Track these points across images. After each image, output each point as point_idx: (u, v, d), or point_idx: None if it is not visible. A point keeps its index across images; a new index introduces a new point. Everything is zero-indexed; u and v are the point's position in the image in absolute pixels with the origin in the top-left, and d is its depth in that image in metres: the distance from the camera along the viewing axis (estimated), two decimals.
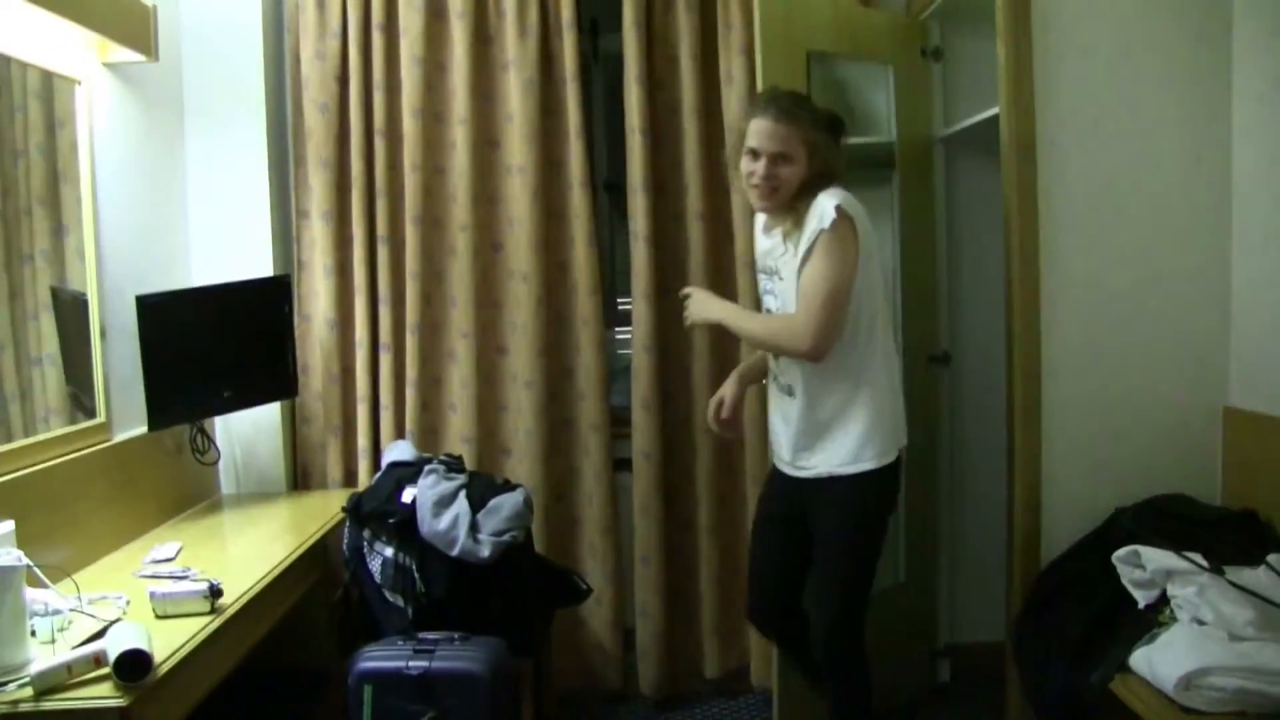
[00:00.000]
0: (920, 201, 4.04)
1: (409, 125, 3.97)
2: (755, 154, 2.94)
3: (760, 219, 3.21)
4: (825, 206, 2.85)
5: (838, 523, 3.03)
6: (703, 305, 3.18)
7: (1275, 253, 3.24)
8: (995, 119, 3.43)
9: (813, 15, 3.65)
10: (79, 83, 3.25)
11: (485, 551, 3.20)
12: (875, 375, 2.99)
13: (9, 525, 2.65)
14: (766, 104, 2.98)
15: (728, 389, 3.28)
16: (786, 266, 2.99)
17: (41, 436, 3.03)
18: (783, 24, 3.52)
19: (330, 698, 3.30)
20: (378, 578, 3.33)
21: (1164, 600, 2.84)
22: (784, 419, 3.12)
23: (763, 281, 3.20)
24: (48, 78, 3.13)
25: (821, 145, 2.96)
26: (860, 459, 2.97)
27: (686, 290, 3.25)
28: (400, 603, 3.27)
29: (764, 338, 3.13)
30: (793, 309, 2.94)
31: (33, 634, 2.34)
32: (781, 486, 3.19)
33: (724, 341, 4.05)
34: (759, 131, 2.93)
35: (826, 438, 3.01)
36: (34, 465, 2.92)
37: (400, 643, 3.05)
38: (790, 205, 2.98)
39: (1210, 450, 3.42)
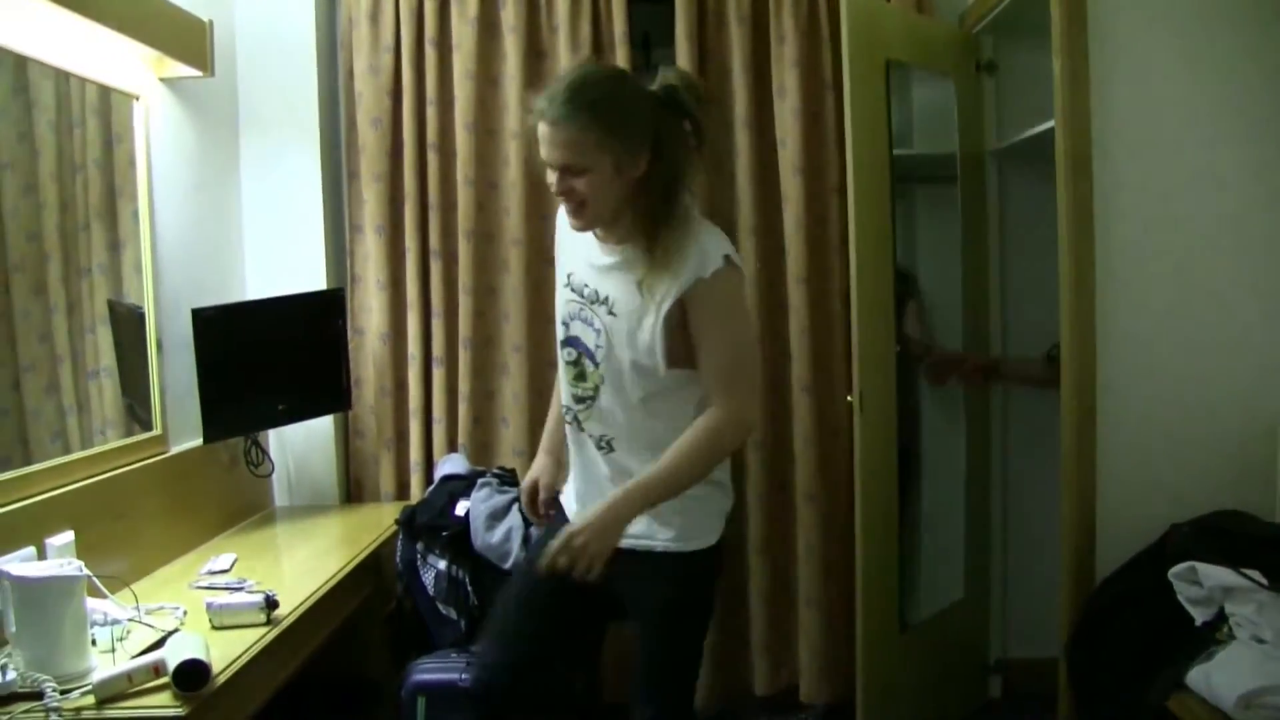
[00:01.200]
0: (975, 215, 4.03)
1: (461, 139, 3.98)
2: (549, 166, 2.43)
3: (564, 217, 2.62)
4: (709, 252, 2.37)
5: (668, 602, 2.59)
6: (603, 533, 2.31)
7: None
8: (1048, 133, 3.39)
9: (889, 24, 3.69)
10: (137, 98, 3.28)
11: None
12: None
13: (69, 536, 2.69)
14: (546, 102, 2.38)
15: (542, 474, 2.79)
16: (626, 302, 2.44)
17: (99, 449, 3.05)
18: (867, 31, 3.54)
19: (384, 709, 3.31)
20: (431, 590, 3.33)
21: (1222, 618, 2.79)
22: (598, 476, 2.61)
23: (572, 304, 2.57)
24: (105, 93, 3.16)
25: (633, 145, 2.38)
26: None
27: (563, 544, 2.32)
28: (453, 615, 3.27)
29: (711, 461, 2.46)
30: (621, 350, 2.44)
31: (93, 643, 2.35)
32: None
33: (781, 357, 4.03)
34: (541, 139, 2.39)
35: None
36: (92, 477, 2.94)
37: (454, 655, 3.06)
38: (634, 228, 2.45)
39: (1269, 467, 3.34)
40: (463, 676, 2.93)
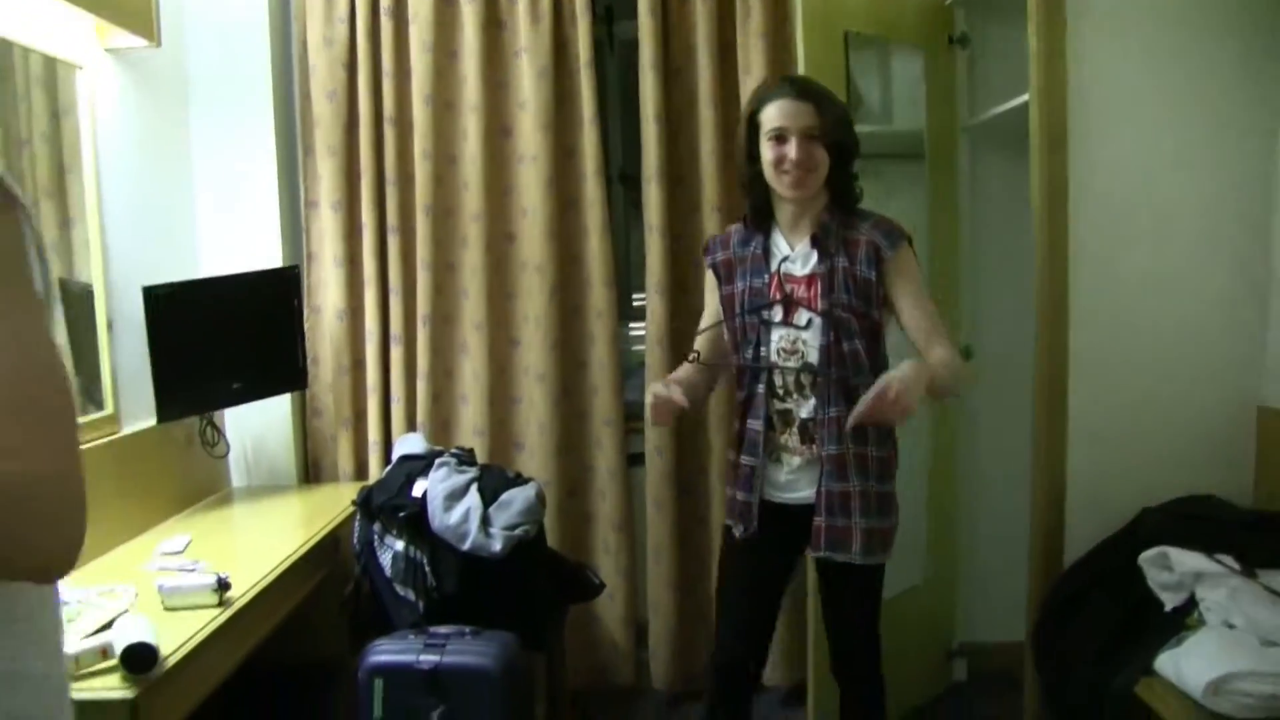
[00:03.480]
0: (945, 193, 3.99)
1: (419, 113, 3.92)
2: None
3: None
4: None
5: None
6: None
7: None
8: (1023, 109, 3.37)
9: None
10: (80, 68, 3.20)
11: (497, 546, 3.15)
12: None
13: None
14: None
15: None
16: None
17: None
18: (823, 2, 3.49)
19: (341, 691, 3.26)
20: (388, 571, 3.28)
21: (1192, 603, 2.79)
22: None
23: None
24: (50, 64, 3.10)
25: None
26: None
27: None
28: (411, 597, 3.23)
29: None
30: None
31: None
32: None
33: None
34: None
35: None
36: None
37: (411, 637, 3.01)
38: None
39: (1243, 451, 3.35)
40: (420, 659, 2.89)
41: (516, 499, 3.28)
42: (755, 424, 2.78)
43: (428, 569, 3.22)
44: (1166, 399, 3.37)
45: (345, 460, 4.06)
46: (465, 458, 3.50)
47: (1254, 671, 2.44)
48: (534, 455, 4.03)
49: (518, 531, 3.20)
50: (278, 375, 3.89)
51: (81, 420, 3.13)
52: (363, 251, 4.00)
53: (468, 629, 3.03)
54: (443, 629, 3.03)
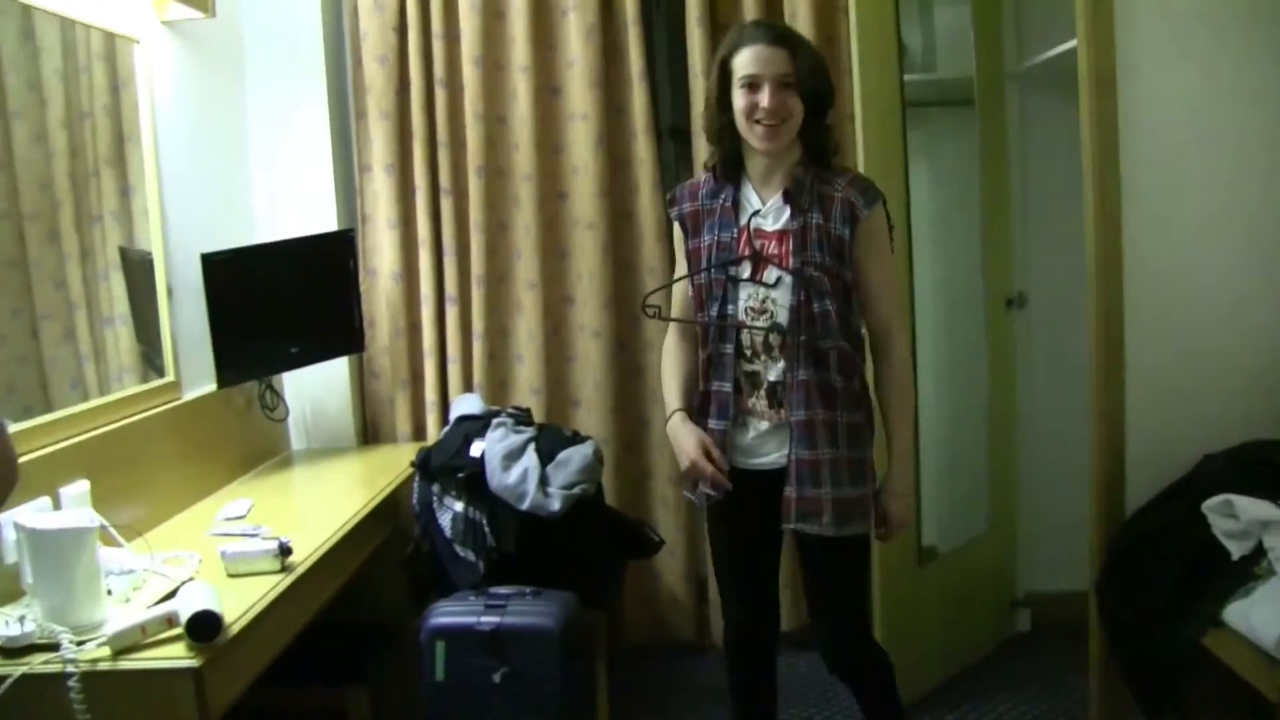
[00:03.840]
0: (995, 139, 3.96)
1: (469, 74, 3.92)
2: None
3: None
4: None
5: None
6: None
7: None
8: (1071, 54, 3.30)
9: None
10: (138, 41, 3.23)
11: (555, 505, 3.18)
12: None
13: (84, 485, 2.70)
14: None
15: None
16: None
17: (114, 396, 3.05)
18: None
19: (403, 652, 3.32)
20: (448, 532, 3.32)
21: (1260, 552, 2.72)
22: None
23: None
24: (109, 38, 3.13)
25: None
26: None
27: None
28: (471, 557, 3.27)
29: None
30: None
31: (108, 593, 2.35)
32: None
33: None
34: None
35: None
36: (107, 425, 2.94)
37: (472, 598, 3.05)
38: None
39: None
40: (481, 620, 2.93)
41: (574, 457, 3.30)
42: (724, 385, 2.67)
43: (487, 529, 3.25)
44: (1225, 344, 3.29)
45: (403, 421, 4.09)
46: (522, 417, 3.53)
47: None
48: (590, 412, 4.05)
49: (575, 490, 3.23)
50: (335, 338, 3.93)
51: (144, 387, 3.20)
52: (416, 214, 4.02)
53: (528, 589, 3.07)
54: (503, 589, 3.08)
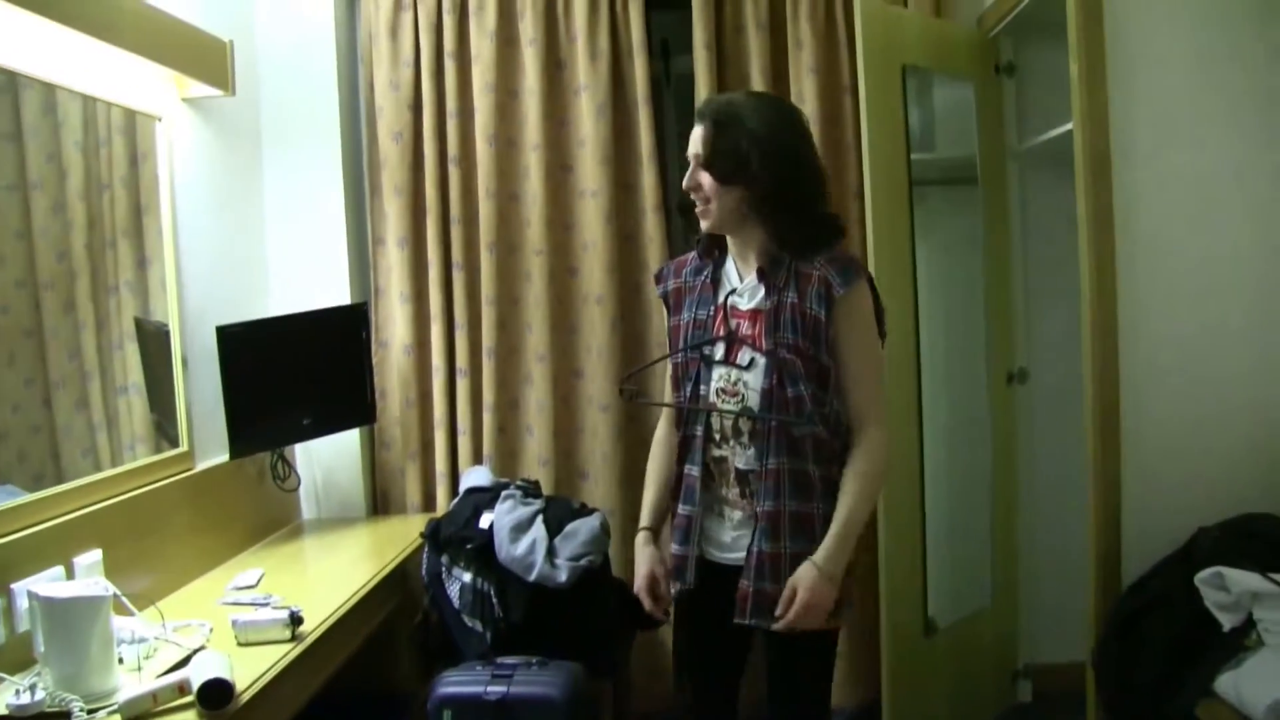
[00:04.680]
0: (997, 218, 4.03)
1: (482, 151, 4.01)
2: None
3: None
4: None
5: None
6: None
7: None
8: (1069, 134, 3.37)
9: (906, 30, 3.70)
10: (159, 119, 3.31)
11: (562, 576, 3.20)
12: None
13: (96, 555, 2.73)
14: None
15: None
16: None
17: (127, 466, 3.08)
18: (882, 39, 3.56)
19: None
20: (456, 602, 3.34)
21: (1250, 624, 2.76)
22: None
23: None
24: (130, 115, 3.20)
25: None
26: None
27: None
28: (479, 627, 3.29)
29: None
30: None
31: (120, 661, 2.38)
32: None
33: None
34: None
35: None
36: (120, 495, 2.97)
37: (479, 668, 3.06)
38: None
39: None
40: (488, 690, 2.95)
41: (581, 529, 3.33)
42: (692, 469, 2.56)
43: (495, 600, 3.27)
44: (1220, 417, 3.33)
45: (413, 492, 4.12)
46: (531, 489, 3.55)
47: None
48: (598, 484, 4.08)
49: (583, 562, 3.25)
50: (347, 409, 3.96)
51: (158, 457, 3.24)
52: (428, 287, 4.08)
53: (534, 659, 3.07)
54: (510, 659, 3.08)
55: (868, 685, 3.94)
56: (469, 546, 3.32)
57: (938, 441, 4.06)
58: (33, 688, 2.21)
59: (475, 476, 3.73)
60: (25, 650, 2.43)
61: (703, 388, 2.55)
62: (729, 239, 2.60)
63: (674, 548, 2.61)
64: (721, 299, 2.56)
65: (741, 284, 2.56)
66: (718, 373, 2.53)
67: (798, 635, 2.43)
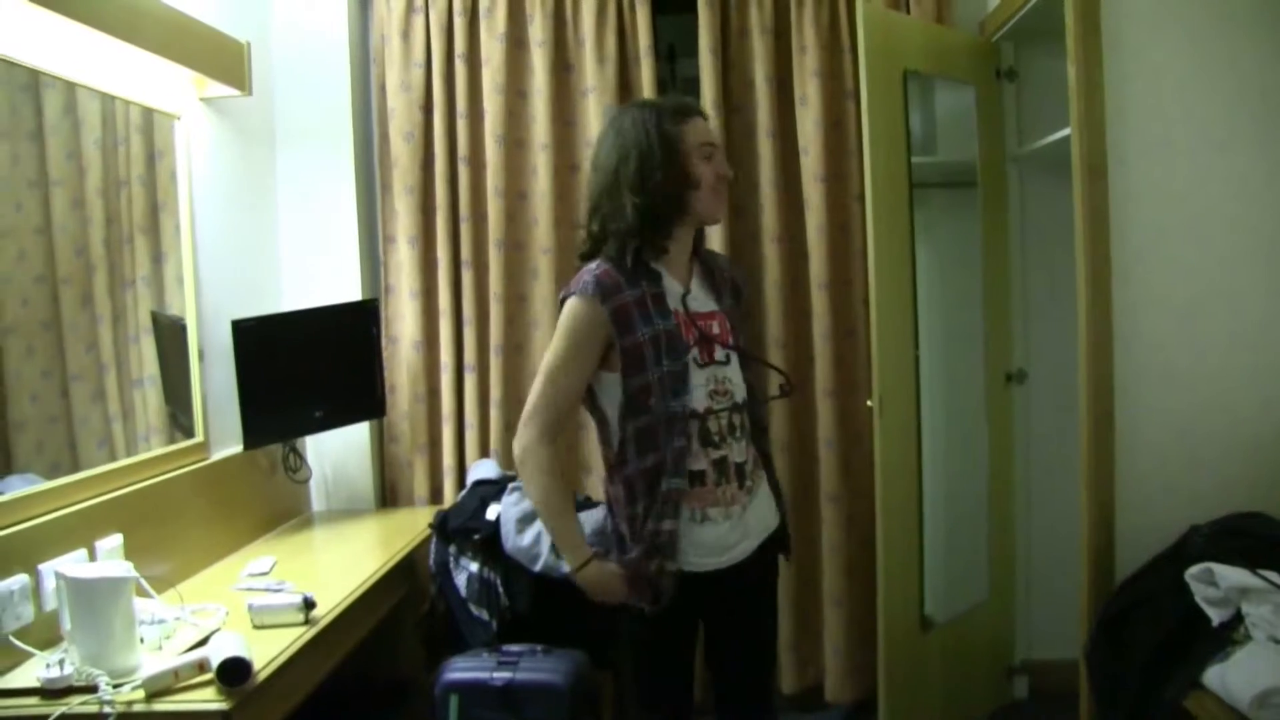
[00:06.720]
0: (996, 221, 4.09)
1: (492, 151, 4.07)
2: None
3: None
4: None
5: None
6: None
7: None
8: (1067, 139, 3.42)
9: (907, 36, 3.76)
10: (177, 117, 3.39)
11: (566, 567, 3.26)
12: None
13: (117, 539, 2.80)
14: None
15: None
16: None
17: (143, 455, 3.15)
18: (884, 44, 3.62)
19: (417, 706, 3.38)
20: (463, 592, 3.40)
21: (1238, 619, 2.81)
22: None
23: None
24: (148, 113, 3.27)
25: None
26: None
27: None
28: (485, 616, 3.35)
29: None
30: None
31: (141, 641, 2.46)
32: None
33: (805, 362, 4.12)
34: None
35: None
36: (138, 483, 3.05)
37: (485, 655, 3.11)
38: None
39: None
40: (493, 676, 3.01)
41: (585, 522, 3.37)
42: (678, 482, 2.50)
43: (501, 589, 3.33)
44: (1212, 419, 3.39)
45: (421, 485, 4.18)
46: None
47: None
48: (601, 478, 4.12)
49: None
50: (357, 403, 4.03)
51: (173, 447, 3.31)
52: (438, 284, 4.14)
53: (539, 647, 3.12)
54: (515, 647, 3.13)
55: (864, 680, 4.02)
56: (476, 537, 3.38)
57: (936, 439, 4.12)
58: (61, 662, 2.29)
59: (482, 469, 3.79)
60: (52, 628, 2.52)
61: (690, 395, 2.52)
62: (678, 243, 2.62)
63: (653, 563, 2.53)
64: (676, 305, 2.57)
65: (690, 289, 2.64)
66: (703, 376, 2.56)
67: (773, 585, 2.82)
